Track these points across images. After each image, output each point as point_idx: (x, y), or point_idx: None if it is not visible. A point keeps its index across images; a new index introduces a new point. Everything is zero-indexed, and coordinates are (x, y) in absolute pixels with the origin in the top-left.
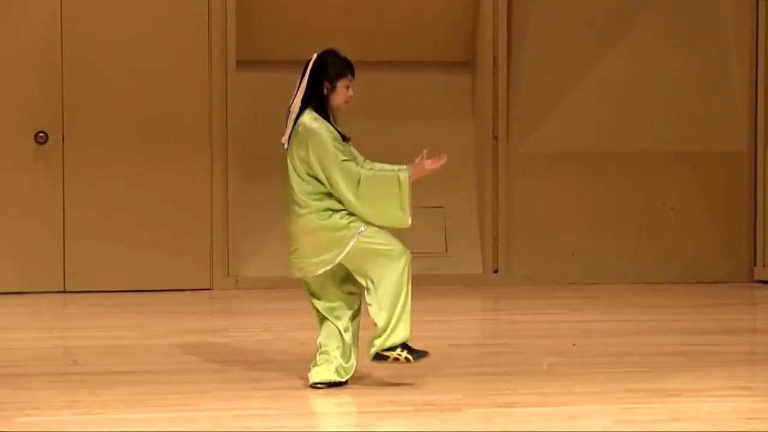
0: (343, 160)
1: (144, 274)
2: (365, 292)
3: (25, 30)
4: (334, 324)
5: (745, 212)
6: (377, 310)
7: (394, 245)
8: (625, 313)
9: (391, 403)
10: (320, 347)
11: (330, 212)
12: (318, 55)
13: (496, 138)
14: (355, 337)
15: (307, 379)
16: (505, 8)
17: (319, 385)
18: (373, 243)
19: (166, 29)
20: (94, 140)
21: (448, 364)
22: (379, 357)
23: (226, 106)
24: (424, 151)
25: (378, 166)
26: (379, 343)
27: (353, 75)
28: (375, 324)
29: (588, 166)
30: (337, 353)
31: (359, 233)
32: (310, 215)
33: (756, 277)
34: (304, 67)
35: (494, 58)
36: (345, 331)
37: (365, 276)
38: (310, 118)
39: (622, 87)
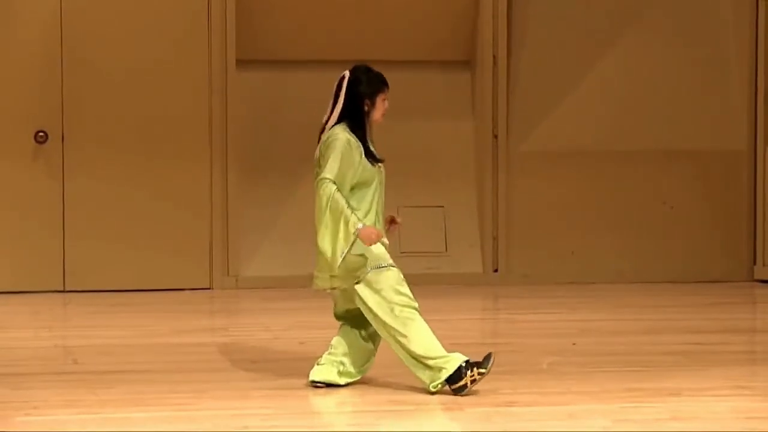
0: (332, 180)
1: (144, 273)
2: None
3: (24, 29)
4: (353, 329)
5: (744, 211)
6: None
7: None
8: (625, 313)
9: (390, 402)
10: (330, 347)
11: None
12: (351, 73)
13: (495, 137)
14: (372, 350)
15: (306, 377)
16: (505, 7)
17: (318, 384)
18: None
19: (166, 28)
20: (93, 140)
21: None
22: (456, 390)
23: (225, 105)
24: (393, 218)
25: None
26: (435, 385)
27: (388, 87)
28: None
29: (588, 165)
30: (345, 359)
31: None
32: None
33: (756, 277)
34: (337, 84)
35: (494, 57)
36: (367, 339)
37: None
38: (339, 129)
39: (622, 86)
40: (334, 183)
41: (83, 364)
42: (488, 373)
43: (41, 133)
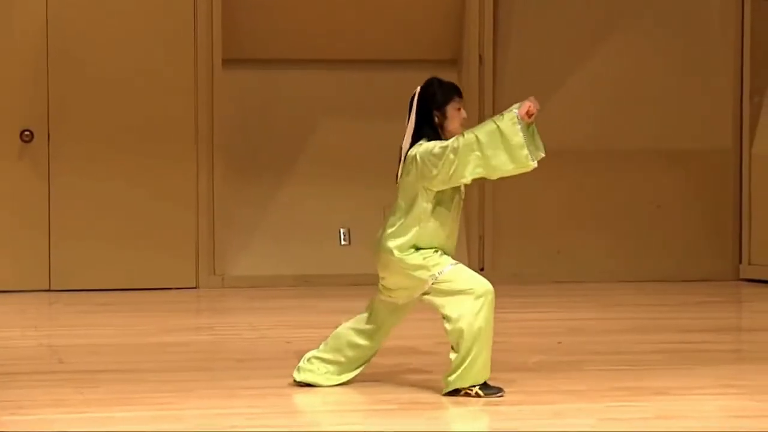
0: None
1: (130, 272)
2: (444, 322)
3: (10, 28)
4: (364, 342)
5: (731, 210)
6: (453, 347)
7: (475, 284)
8: (612, 311)
9: (377, 401)
10: (328, 348)
11: (412, 250)
12: (421, 87)
13: None
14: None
15: (291, 376)
16: (491, 6)
17: (302, 384)
18: (450, 285)
19: (152, 28)
20: (79, 139)
21: (434, 363)
22: (451, 392)
23: (212, 104)
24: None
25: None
26: (452, 381)
27: (461, 96)
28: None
29: (574, 164)
30: (332, 366)
31: (436, 278)
32: (387, 253)
33: (742, 276)
34: (410, 102)
35: (480, 56)
36: (366, 350)
37: (441, 311)
38: (420, 146)
39: (609, 85)
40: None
41: (69, 364)
42: (480, 398)
43: (27, 132)
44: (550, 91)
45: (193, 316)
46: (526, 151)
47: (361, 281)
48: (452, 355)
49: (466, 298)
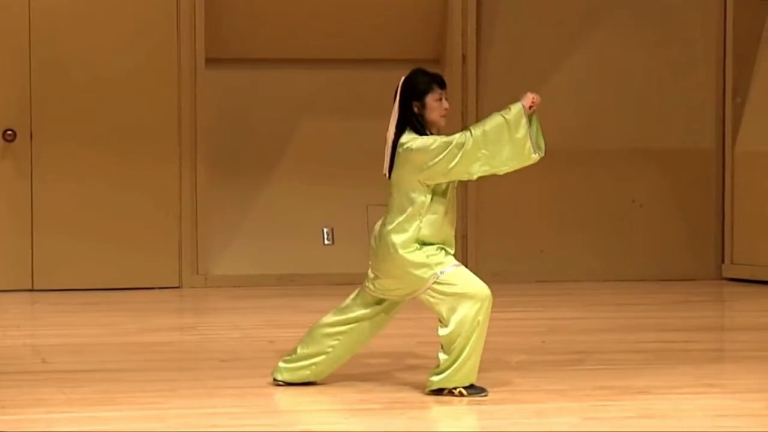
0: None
1: (112, 272)
2: (439, 325)
3: None
4: (351, 331)
5: (713, 210)
6: (444, 347)
7: (476, 289)
8: (594, 311)
9: (360, 401)
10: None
11: (416, 246)
12: (404, 78)
13: None
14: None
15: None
16: (474, 6)
17: (280, 383)
18: (450, 287)
19: (135, 27)
20: (62, 138)
21: (416, 362)
22: (435, 391)
23: (195, 103)
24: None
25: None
26: (437, 381)
27: (442, 87)
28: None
29: (557, 163)
30: (309, 364)
31: (438, 277)
32: (390, 248)
33: (724, 275)
34: (395, 94)
35: (463, 55)
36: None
37: (437, 312)
38: (409, 137)
39: (592, 85)
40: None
41: (52, 363)
42: (463, 397)
43: (9, 132)
44: (533, 90)
45: (176, 315)
46: (529, 144)
47: (344, 280)
48: (441, 355)
49: (466, 302)
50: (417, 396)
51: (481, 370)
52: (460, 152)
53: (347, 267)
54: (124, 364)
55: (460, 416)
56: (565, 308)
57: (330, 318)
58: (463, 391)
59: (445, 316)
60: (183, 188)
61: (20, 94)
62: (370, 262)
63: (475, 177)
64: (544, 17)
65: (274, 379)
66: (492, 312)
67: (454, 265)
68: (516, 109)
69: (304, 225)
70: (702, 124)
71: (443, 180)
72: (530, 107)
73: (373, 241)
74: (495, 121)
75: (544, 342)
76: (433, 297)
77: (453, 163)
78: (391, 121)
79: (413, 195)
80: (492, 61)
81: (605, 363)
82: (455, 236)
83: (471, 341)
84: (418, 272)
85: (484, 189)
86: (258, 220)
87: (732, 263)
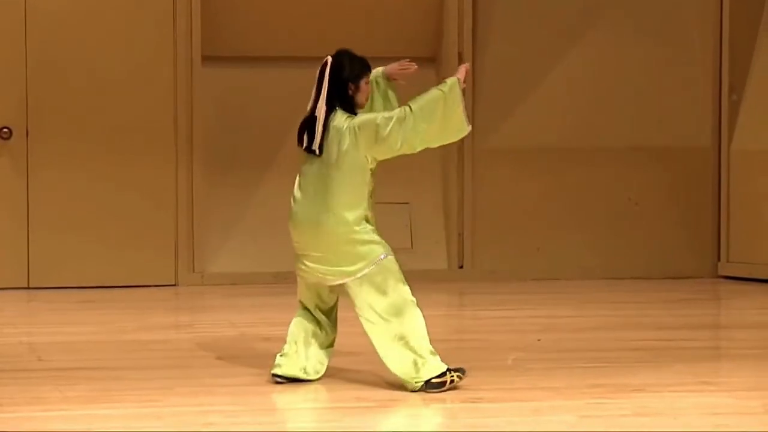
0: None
1: (109, 270)
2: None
3: None
4: (316, 317)
5: (709, 208)
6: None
7: (406, 288)
8: (590, 309)
9: (356, 399)
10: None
11: (364, 224)
12: (334, 58)
13: None
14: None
15: (270, 374)
16: (471, 4)
17: (279, 379)
18: (385, 277)
19: (131, 24)
20: (58, 135)
21: None
22: (432, 386)
23: (191, 101)
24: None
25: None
26: (420, 377)
27: (371, 70)
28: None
29: (553, 161)
30: (306, 351)
31: (381, 259)
32: (342, 225)
33: (720, 273)
34: (320, 70)
35: (459, 53)
36: (324, 327)
37: (368, 304)
38: (344, 117)
39: (588, 83)
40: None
41: (48, 361)
42: (461, 381)
43: (5, 129)
44: (529, 88)
45: (172, 313)
46: (464, 116)
47: None
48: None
49: (399, 296)
50: (412, 394)
51: (476, 368)
52: (402, 127)
53: None
54: (120, 361)
55: (455, 414)
56: (561, 306)
57: (302, 314)
58: (456, 378)
59: (379, 311)
60: (179, 186)
61: (16, 91)
62: (297, 242)
63: (416, 150)
64: (541, 16)
65: (274, 374)
66: (488, 310)
67: (391, 252)
68: (452, 81)
69: None
70: (698, 122)
71: (390, 155)
72: (464, 80)
73: (302, 221)
74: (432, 95)
75: (539, 340)
76: (380, 275)
77: (399, 139)
78: (320, 98)
79: (361, 172)
80: (488, 59)
81: (601, 361)
82: (452, 234)
83: (421, 334)
84: (368, 248)
85: (480, 187)
86: (254, 217)
87: (728, 261)
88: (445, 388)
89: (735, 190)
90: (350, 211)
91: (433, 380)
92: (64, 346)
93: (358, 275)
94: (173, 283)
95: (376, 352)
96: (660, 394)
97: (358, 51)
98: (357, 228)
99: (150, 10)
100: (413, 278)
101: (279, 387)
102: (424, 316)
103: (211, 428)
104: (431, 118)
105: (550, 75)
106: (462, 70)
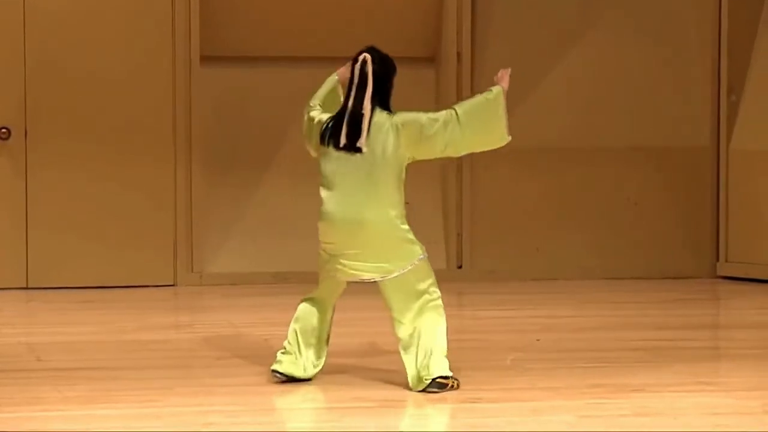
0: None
1: (107, 270)
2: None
3: None
4: (327, 315)
5: (708, 208)
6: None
7: (437, 287)
8: (589, 309)
9: (355, 399)
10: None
11: (404, 222)
12: (371, 55)
13: None
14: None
15: (269, 374)
16: (470, 4)
17: (279, 375)
18: (420, 276)
19: (130, 24)
20: (57, 136)
21: None
22: (440, 385)
23: (189, 101)
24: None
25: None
26: (426, 374)
27: None
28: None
29: (552, 161)
30: (307, 351)
31: (420, 259)
32: (386, 222)
33: (719, 273)
34: (360, 68)
35: (458, 53)
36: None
37: (404, 305)
38: (383, 114)
39: (587, 83)
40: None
41: (47, 361)
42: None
43: (4, 130)
44: (528, 88)
45: (171, 313)
46: (505, 126)
47: None
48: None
49: (433, 299)
50: (411, 394)
51: (475, 368)
52: (447, 130)
53: None
54: (119, 362)
55: (454, 414)
56: (560, 306)
57: (308, 306)
58: (455, 384)
59: (411, 317)
60: (178, 186)
61: (15, 91)
62: (333, 243)
63: (459, 154)
64: (540, 16)
65: (275, 371)
66: (487, 310)
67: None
68: (497, 91)
69: (299, 223)
70: (697, 122)
71: (431, 157)
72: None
73: (340, 220)
74: (478, 101)
75: (539, 340)
76: (415, 275)
77: (443, 141)
78: (365, 95)
79: (399, 171)
80: (487, 60)
81: (600, 361)
82: (451, 234)
83: (441, 335)
84: (411, 248)
85: (479, 187)
86: (253, 217)
87: (727, 261)
88: (445, 390)
89: (734, 190)
90: (393, 208)
91: (438, 379)
92: (63, 346)
93: (396, 273)
94: (172, 283)
95: (382, 352)
96: (659, 394)
97: (357, 51)
98: (401, 226)
99: (149, 11)
100: None
101: (278, 387)
102: None
103: (210, 428)
104: (475, 124)
105: (549, 75)
106: (505, 78)
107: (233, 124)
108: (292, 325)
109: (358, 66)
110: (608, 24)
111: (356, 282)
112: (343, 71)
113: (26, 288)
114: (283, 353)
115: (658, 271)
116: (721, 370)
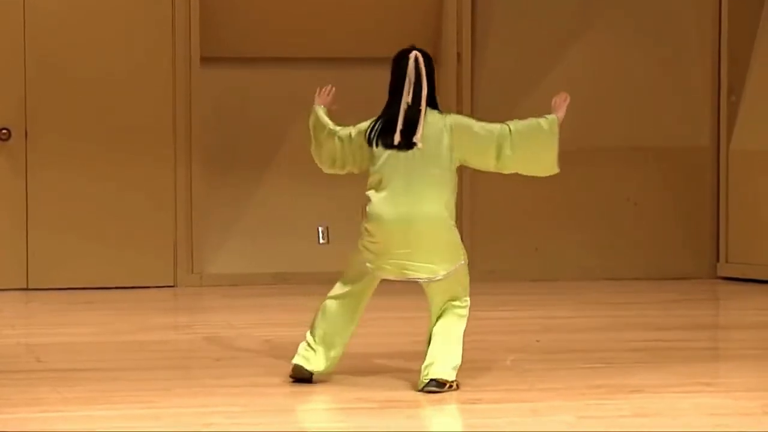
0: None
1: (107, 271)
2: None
3: None
4: (357, 313)
5: (708, 208)
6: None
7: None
8: (589, 309)
9: (356, 399)
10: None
11: (455, 224)
12: (424, 53)
13: None
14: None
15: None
16: (470, 5)
17: (305, 373)
18: (461, 280)
19: (130, 25)
20: (57, 136)
21: (411, 361)
22: (438, 384)
23: (189, 102)
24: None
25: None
26: (435, 371)
27: None
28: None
29: None
30: (327, 352)
31: (462, 264)
32: (441, 222)
33: (719, 274)
34: (413, 65)
35: (458, 54)
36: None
37: (452, 292)
38: (435, 113)
39: (587, 83)
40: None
41: (46, 362)
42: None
43: (4, 130)
44: (528, 89)
45: (171, 314)
46: (556, 156)
47: (339, 279)
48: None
49: (461, 306)
50: (413, 395)
51: (474, 368)
52: (501, 146)
53: (342, 266)
54: (119, 363)
55: (455, 415)
56: (560, 307)
57: (338, 302)
58: (455, 384)
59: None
60: (178, 187)
61: (15, 92)
62: (382, 242)
63: (505, 172)
64: (540, 16)
65: (297, 366)
66: (486, 311)
67: None
68: (552, 119)
69: (299, 224)
70: (697, 123)
71: (485, 169)
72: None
73: (393, 220)
74: (532, 124)
75: (538, 341)
76: (456, 278)
77: (495, 156)
78: (422, 92)
79: (452, 172)
80: (487, 60)
81: (600, 362)
82: None
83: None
84: (455, 250)
85: (479, 187)
86: (253, 218)
87: (727, 262)
88: (444, 390)
89: (734, 190)
90: (447, 209)
91: (437, 379)
92: (63, 347)
93: (442, 274)
94: (172, 284)
95: (384, 353)
96: (659, 395)
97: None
98: (453, 227)
99: (149, 11)
100: None
101: (279, 388)
102: (423, 317)
103: (210, 428)
104: (526, 149)
105: (549, 75)
106: (562, 107)
107: (233, 125)
108: (319, 324)
109: (411, 64)
110: (608, 24)
111: (401, 281)
112: (324, 98)
113: (26, 289)
114: (309, 349)
115: (658, 272)
116: (720, 370)
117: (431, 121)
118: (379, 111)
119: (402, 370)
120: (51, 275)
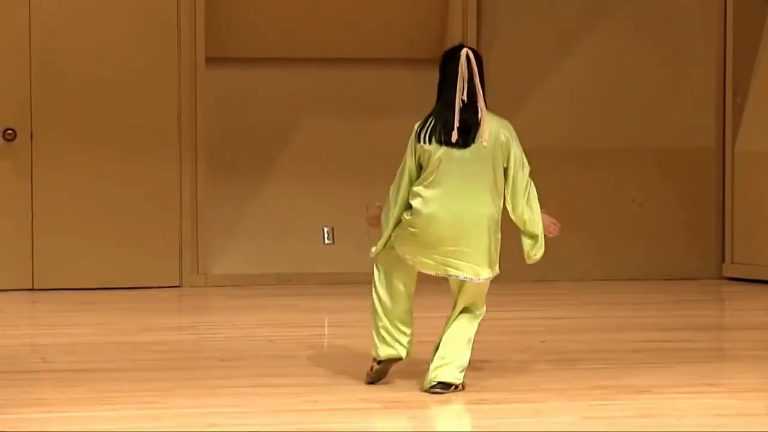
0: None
1: (112, 271)
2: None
3: None
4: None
5: (713, 209)
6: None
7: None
8: (593, 310)
9: (359, 400)
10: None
11: (498, 229)
12: (472, 51)
13: None
14: None
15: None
16: (475, 6)
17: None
18: (484, 288)
19: (135, 26)
20: (63, 137)
21: (415, 362)
22: (444, 386)
23: (195, 103)
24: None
25: None
26: (442, 374)
27: None
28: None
29: (555, 162)
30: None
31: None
32: (492, 223)
33: (724, 274)
34: (467, 63)
35: None
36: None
37: (470, 298)
38: (496, 118)
39: (590, 84)
40: None
41: (51, 363)
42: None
43: (9, 131)
44: (532, 89)
45: (175, 314)
46: (540, 247)
47: (344, 280)
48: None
49: (478, 313)
50: (417, 395)
51: (479, 369)
52: (513, 200)
53: (347, 266)
54: (123, 363)
55: (459, 415)
56: (564, 308)
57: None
58: (461, 386)
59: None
60: (183, 187)
61: (20, 93)
62: (426, 238)
63: (513, 215)
64: (544, 18)
65: (379, 358)
66: (490, 312)
67: None
68: (540, 243)
69: (304, 224)
70: (702, 124)
71: (506, 196)
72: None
73: (446, 219)
74: (538, 210)
75: (542, 342)
76: (486, 286)
77: (519, 193)
78: (475, 89)
79: (499, 178)
80: (491, 61)
81: (604, 362)
82: None
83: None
84: (497, 255)
85: None
86: (258, 219)
87: (732, 262)
88: (450, 391)
89: (739, 191)
90: (498, 211)
91: (447, 381)
92: (68, 348)
93: (484, 277)
94: (177, 284)
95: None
96: (663, 396)
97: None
98: (498, 233)
99: (154, 12)
100: None
101: (281, 388)
102: (427, 318)
103: (213, 429)
104: (530, 215)
105: (553, 76)
106: (552, 231)
107: (238, 126)
108: (382, 321)
109: (463, 61)
110: (612, 26)
111: (440, 275)
112: (372, 222)
113: (31, 289)
114: (383, 342)
115: (662, 273)
116: (725, 371)
117: (501, 133)
118: (381, 111)
119: (406, 371)
120: (56, 276)
